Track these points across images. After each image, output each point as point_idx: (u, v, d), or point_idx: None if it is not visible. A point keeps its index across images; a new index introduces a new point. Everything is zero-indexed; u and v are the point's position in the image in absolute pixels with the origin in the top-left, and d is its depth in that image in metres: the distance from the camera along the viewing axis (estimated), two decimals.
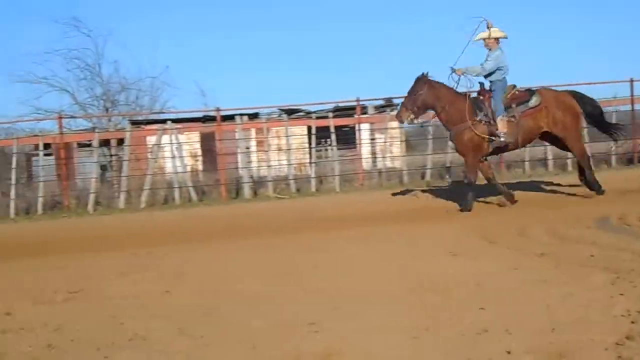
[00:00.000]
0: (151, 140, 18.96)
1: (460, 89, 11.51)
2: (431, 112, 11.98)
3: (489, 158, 12.13)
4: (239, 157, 18.23)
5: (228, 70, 56.78)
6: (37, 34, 60.27)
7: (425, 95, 11.49)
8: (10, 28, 55.28)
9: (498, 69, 11.30)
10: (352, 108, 18.72)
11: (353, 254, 8.05)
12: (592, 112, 11.94)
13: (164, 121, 19.29)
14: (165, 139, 17.83)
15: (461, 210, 11.34)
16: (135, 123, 21.85)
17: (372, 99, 19.94)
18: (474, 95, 11.66)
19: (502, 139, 11.25)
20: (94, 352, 4.63)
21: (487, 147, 11.44)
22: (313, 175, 17.71)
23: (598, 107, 12.25)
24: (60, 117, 19.39)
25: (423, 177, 17.84)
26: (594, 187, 11.47)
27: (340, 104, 19.52)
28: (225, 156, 17.84)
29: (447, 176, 17.38)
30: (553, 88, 12.61)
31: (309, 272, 7.06)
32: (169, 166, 18.27)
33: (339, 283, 6.40)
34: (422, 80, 11.58)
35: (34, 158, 22.12)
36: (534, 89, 11.92)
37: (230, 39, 62.47)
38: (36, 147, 19.33)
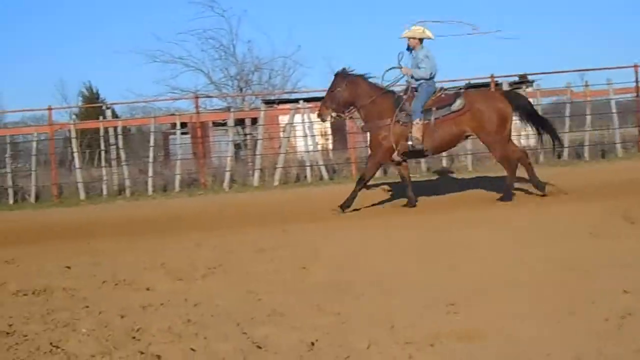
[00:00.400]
0: (283, 119, 19.16)
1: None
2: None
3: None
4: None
5: (358, 48, 56.71)
6: (173, 14, 62.41)
7: (344, 91, 11.04)
8: (147, 9, 57.30)
9: (423, 69, 10.77)
10: (487, 85, 18.25)
11: (492, 235, 7.84)
12: (527, 111, 11.26)
13: (296, 100, 19.49)
14: (297, 118, 18.00)
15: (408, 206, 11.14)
16: (268, 102, 22.19)
17: (507, 75, 19.35)
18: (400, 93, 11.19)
19: (410, 143, 10.69)
20: (234, 327, 4.66)
21: (400, 149, 10.85)
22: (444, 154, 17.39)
23: (530, 105, 11.70)
24: (197, 97, 19.85)
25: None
26: (506, 195, 10.84)
27: (473, 81, 19.05)
28: (355, 135, 17.80)
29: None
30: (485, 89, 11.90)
31: (446, 252, 6.92)
32: (300, 145, 18.46)
33: (478, 265, 6.25)
34: (341, 75, 11.16)
35: (170, 137, 22.82)
36: (461, 91, 11.50)
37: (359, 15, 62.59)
38: (173, 125, 19.77)
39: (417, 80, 10.85)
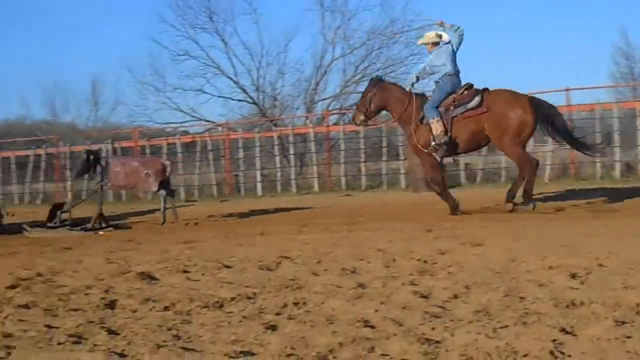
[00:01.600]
0: None
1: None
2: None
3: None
4: None
5: None
6: None
7: (376, 97, 11.52)
8: None
9: (435, 70, 11.12)
10: None
11: None
12: (552, 122, 10.95)
13: None
14: None
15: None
16: None
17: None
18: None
19: (434, 142, 10.85)
20: None
21: (431, 149, 11.02)
22: None
23: (558, 116, 11.29)
24: None
25: None
26: (526, 201, 10.64)
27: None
28: None
29: None
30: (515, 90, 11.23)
31: None
32: None
33: None
34: (374, 82, 11.82)
35: None
36: (483, 89, 11.03)
37: None
38: None
39: (422, 78, 11.58)
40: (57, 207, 13.15)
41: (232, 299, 5.07)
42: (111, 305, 5.09)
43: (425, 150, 11.06)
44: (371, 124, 13.02)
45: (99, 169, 12.86)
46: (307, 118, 26.95)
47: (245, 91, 30.47)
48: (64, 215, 12.84)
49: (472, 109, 10.73)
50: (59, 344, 4.03)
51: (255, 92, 30.38)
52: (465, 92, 10.89)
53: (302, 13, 63.68)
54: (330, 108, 29.12)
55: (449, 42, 11.05)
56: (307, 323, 4.30)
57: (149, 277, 6.20)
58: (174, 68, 35.10)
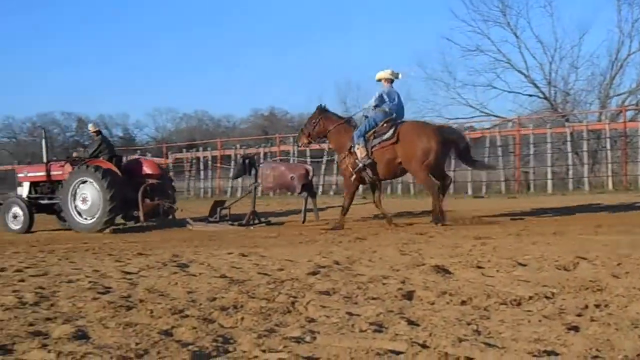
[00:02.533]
0: None
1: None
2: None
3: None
4: None
5: None
6: None
7: (319, 124, 12.96)
8: None
9: (384, 102, 12.13)
10: None
11: None
12: (456, 147, 12.25)
13: None
14: None
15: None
16: None
17: None
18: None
19: (360, 165, 12.05)
20: None
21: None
22: None
23: (463, 142, 12.51)
24: None
25: None
26: (434, 217, 11.74)
27: None
28: None
29: None
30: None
31: None
32: None
33: None
34: (319, 110, 13.07)
35: None
36: (400, 122, 12.15)
37: None
38: None
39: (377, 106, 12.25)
40: (218, 204, 14.76)
41: (530, 297, 4.92)
42: (409, 296, 5.13)
43: (354, 175, 12.30)
44: None
45: (253, 171, 14.39)
46: (601, 114, 25.78)
47: (536, 86, 29.77)
48: (224, 212, 14.34)
49: (386, 140, 11.90)
50: (361, 331, 4.13)
51: (546, 86, 29.57)
52: (385, 125, 12.05)
53: (597, 5, 60.86)
54: (627, 104, 27.62)
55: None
56: (611, 326, 4.06)
57: (443, 270, 6.22)
58: (463, 63, 35.22)
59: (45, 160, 15.57)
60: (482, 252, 7.48)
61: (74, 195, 14.28)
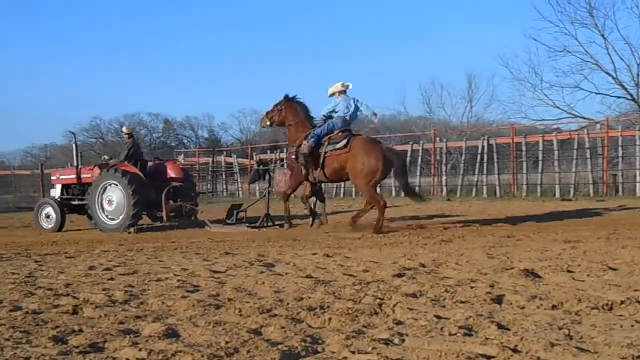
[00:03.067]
0: None
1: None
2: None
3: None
4: None
5: None
6: None
7: (282, 113, 13.51)
8: None
9: (334, 111, 12.79)
10: None
11: None
12: (395, 169, 12.56)
13: None
14: None
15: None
16: None
17: None
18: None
19: (300, 155, 12.61)
20: None
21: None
22: None
23: (401, 166, 12.84)
24: None
25: None
26: (376, 228, 11.79)
27: None
28: None
29: None
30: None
31: None
32: None
33: None
34: (286, 99, 13.49)
35: None
36: (354, 135, 12.77)
37: None
38: None
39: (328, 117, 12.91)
40: (235, 207, 15.29)
41: (622, 302, 4.79)
42: (498, 300, 5.07)
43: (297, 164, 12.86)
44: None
45: (267, 177, 15.16)
46: None
47: (624, 88, 29.13)
48: (241, 215, 14.83)
49: (338, 149, 12.38)
50: (451, 335, 4.09)
51: (634, 88, 28.88)
52: (340, 134, 12.51)
53: None
54: None
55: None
56: None
57: (533, 274, 6.12)
58: (550, 65, 34.68)
59: (75, 164, 16.47)
60: (572, 256, 7.35)
61: (101, 197, 15.17)
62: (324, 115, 12.94)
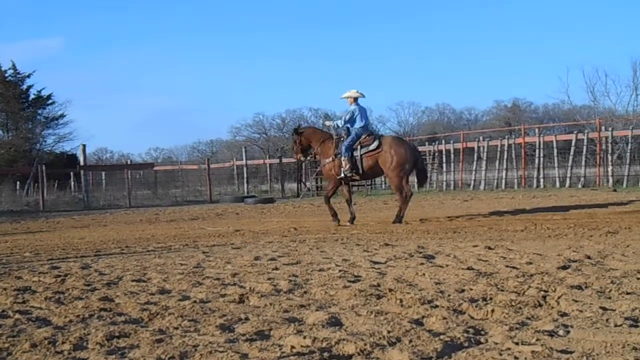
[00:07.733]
0: None
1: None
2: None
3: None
4: None
5: None
6: None
7: (301, 142, 14.91)
8: None
9: (354, 120, 14.12)
10: None
11: None
12: (418, 162, 14.34)
13: None
14: None
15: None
16: None
17: None
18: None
19: (342, 175, 14.00)
20: None
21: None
22: None
23: (421, 158, 15.64)
24: None
25: None
26: (397, 218, 13.69)
27: None
28: None
29: None
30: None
31: None
32: None
33: None
34: (296, 132, 15.25)
35: None
36: (381, 135, 14.73)
37: None
38: None
39: (339, 127, 14.54)
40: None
41: None
42: None
43: (338, 177, 14.16)
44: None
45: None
46: None
47: None
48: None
49: (372, 150, 13.90)
50: (616, 325, 3.99)
51: None
52: (367, 137, 14.04)
53: None
54: None
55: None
56: None
57: None
58: None
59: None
60: None
61: None
62: (345, 120, 14.19)
